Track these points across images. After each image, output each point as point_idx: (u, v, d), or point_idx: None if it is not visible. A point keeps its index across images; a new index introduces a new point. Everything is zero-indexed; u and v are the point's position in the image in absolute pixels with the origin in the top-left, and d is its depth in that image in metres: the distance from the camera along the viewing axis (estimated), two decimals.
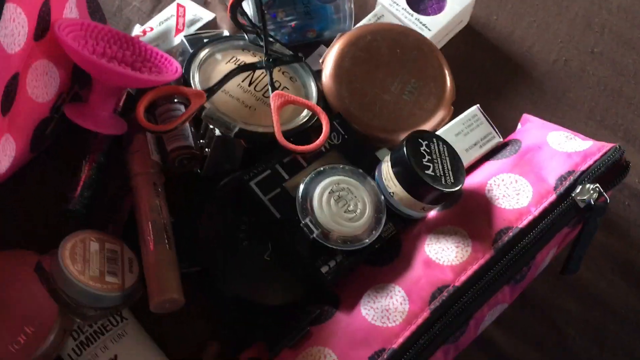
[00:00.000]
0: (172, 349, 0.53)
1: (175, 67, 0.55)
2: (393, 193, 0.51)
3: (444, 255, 0.48)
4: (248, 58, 0.58)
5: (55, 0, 0.50)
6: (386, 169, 0.51)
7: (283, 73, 0.58)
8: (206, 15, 0.64)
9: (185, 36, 0.61)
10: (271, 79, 0.55)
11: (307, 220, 0.49)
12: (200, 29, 0.63)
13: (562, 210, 0.48)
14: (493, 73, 0.67)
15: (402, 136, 0.53)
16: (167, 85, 0.54)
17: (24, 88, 0.49)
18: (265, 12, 0.60)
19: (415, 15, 0.64)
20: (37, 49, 0.49)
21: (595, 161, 0.49)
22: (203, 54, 0.57)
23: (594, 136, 0.55)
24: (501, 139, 0.55)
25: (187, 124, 0.55)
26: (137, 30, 0.64)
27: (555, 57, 0.68)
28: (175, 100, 0.56)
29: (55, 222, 0.57)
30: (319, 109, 0.54)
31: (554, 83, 0.67)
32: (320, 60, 0.60)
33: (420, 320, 0.46)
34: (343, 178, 0.51)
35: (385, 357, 0.44)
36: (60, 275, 0.47)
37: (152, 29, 0.63)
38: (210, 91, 0.53)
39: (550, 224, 0.48)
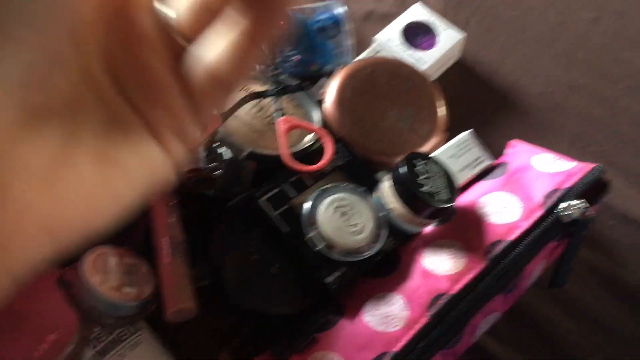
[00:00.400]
0: (185, 357, 0.56)
1: None
2: (392, 209, 0.55)
3: (440, 266, 0.51)
4: (258, 87, 0.62)
5: None
6: (386, 186, 0.55)
7: (289, 101, 0.63)
8: None
9: None
10: (279, 105, 0.60)
11: (313, 233, 0.52)
12: None
13: (548, 224, 0.51)
14: (482, 104, 0.72)
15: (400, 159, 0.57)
16: None
17: None
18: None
19: (409, 50, 0.69)
20: None
21: (579, 179, 0.53)
22: None
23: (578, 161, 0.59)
24: (491, 162, 0.59)
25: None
26: None
27: (540, 90, 0.73)
28: None
29: None
30: (323, 131, 0.58)
31: (539, 113, 0.71)
32: (321, 92, 0.65)
33: (419, 326, 0.48)
34: (346, 195, 0.55)
35: None
36: (82, 286, 0.50)
37: None
38: (224, 116, 0.57)
39: (538, 237, 0.51)
